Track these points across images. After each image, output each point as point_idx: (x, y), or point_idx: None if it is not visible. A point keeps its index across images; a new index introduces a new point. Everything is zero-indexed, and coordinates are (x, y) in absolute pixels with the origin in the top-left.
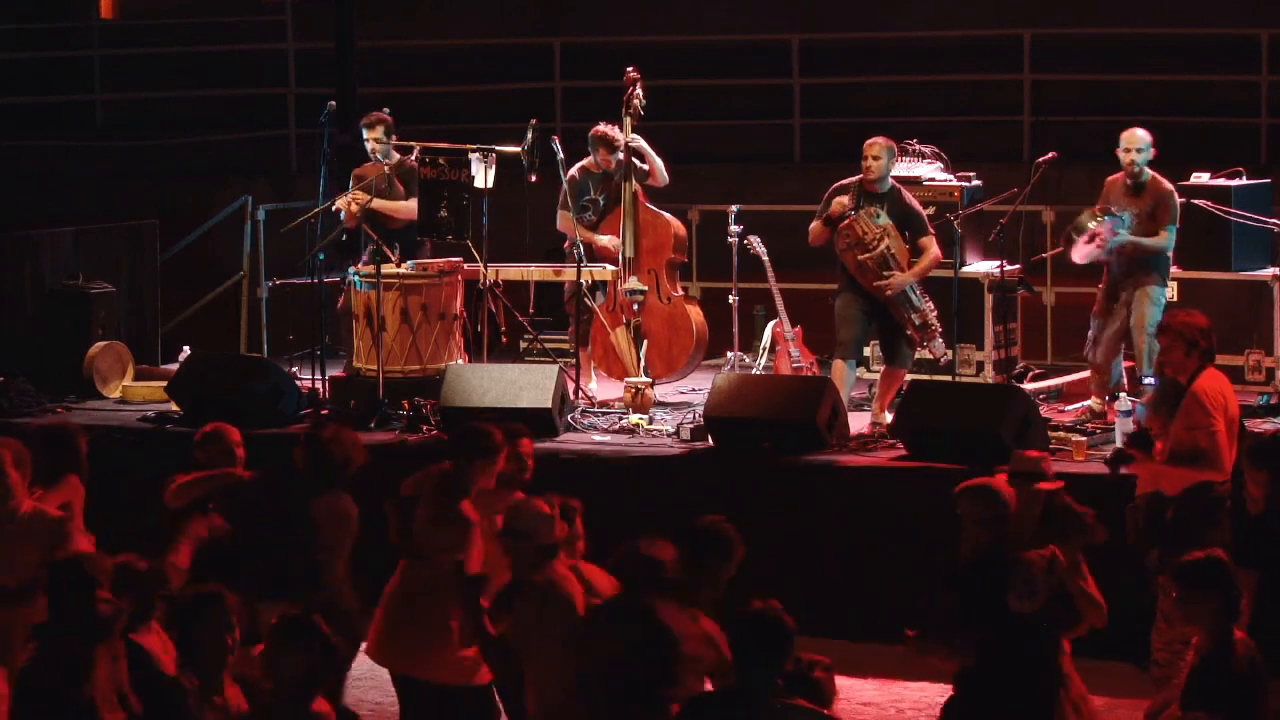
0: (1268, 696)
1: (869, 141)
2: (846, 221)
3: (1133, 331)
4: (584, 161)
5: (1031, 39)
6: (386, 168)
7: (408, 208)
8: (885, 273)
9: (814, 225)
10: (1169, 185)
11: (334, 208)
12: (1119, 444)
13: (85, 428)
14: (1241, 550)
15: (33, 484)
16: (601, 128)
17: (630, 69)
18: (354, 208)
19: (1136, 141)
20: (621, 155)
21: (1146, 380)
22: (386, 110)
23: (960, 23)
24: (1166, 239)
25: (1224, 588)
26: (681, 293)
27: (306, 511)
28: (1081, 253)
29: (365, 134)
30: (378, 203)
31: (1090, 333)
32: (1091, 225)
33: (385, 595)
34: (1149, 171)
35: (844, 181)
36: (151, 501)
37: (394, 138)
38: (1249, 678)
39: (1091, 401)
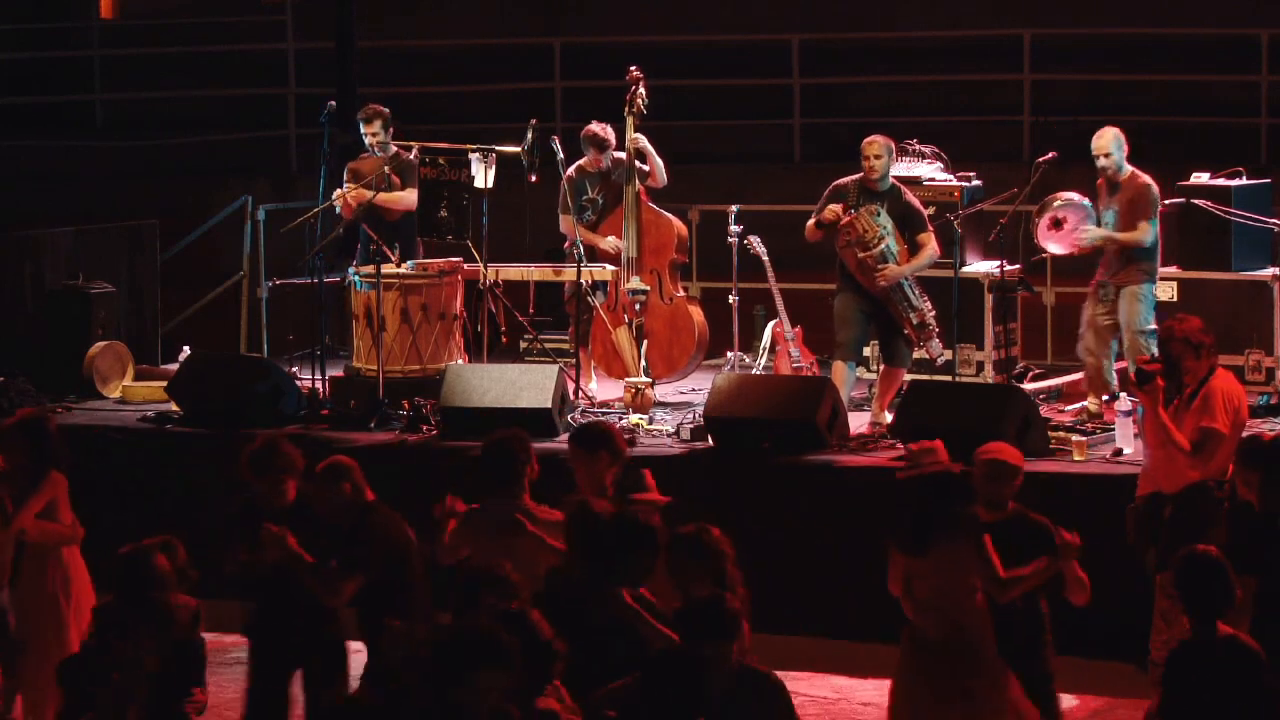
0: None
1: (868, 140)
2: (847, 219)
3: (1123, 329)
4: (581, 161)
5: (1031, 39)
6: (386, 167)
7: (405, 199)
8: (880, 265)
9: (809, 224)
10: (1146, 179)
11: (333, 201)
12: (1119, 444)
13: (85, 428)
14: (1241, 555)
15: (13, 483)
16: (592, 127)
17: (633, 68)
18: (351, 201)
19: (1106, 145)
20: (614, 156)
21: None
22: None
23: (960, 23)
24: (1144, 232)
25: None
26: (683, 293)
27: None
28: (1048, 237)
29: (363, 128)
30: (379, 196)
31: (1080, 329)
32: (1056, 206)
33: None
34: (1127, 168)
35: (843, 180)
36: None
37: (391, 130)
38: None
39: (1088, 403)
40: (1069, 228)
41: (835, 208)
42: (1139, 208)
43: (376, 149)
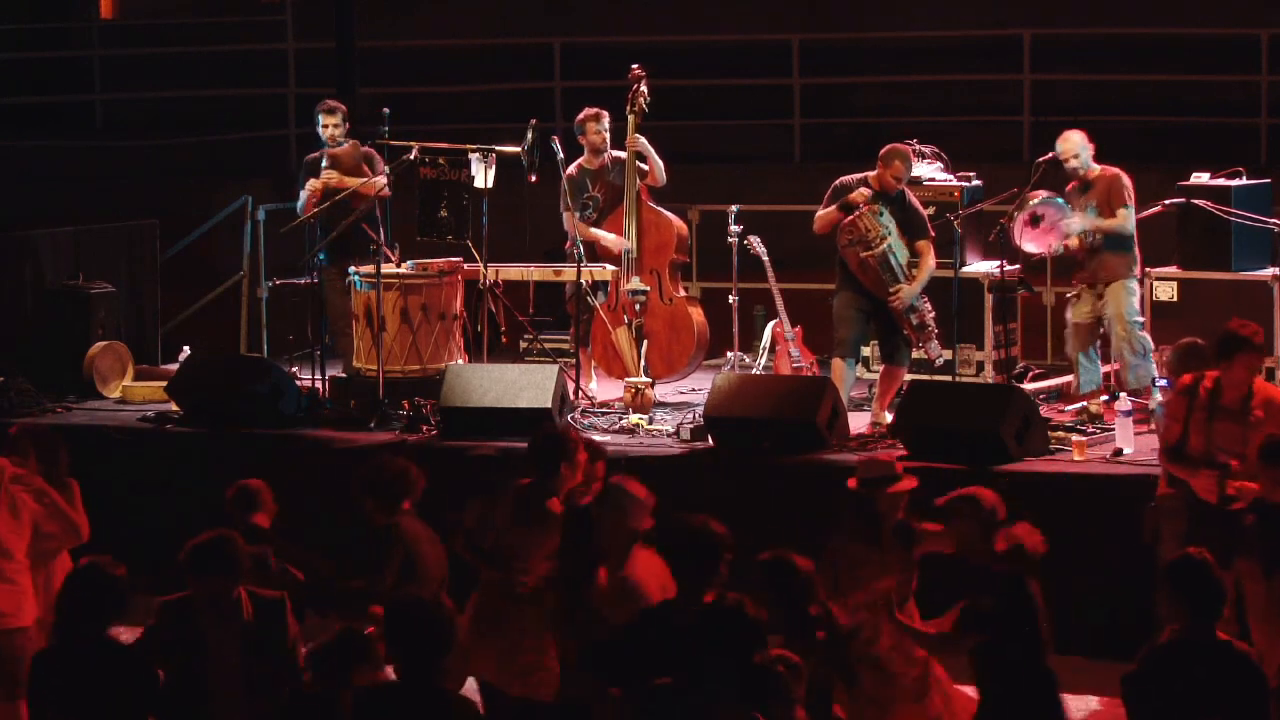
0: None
1: (895, 149)
2: (850, 219)
3: (1111, 323)
4: (580, 159)
5: (1031, 39)
6: (386, 164)
7: (379, 182)
8: (892, 288)
9: (826, 212)
10: (1115, 170)
11: (299, 208)
12: (1119, 444)
13: (85, 428)
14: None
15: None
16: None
17: (635, 67)
18: (315, 196)
19: (1072, 148)
20: (611, 154)
21: (1161, 383)
22: (387, 109)
23: (960, 23)
24: (1123, 218)
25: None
26: (683, 293)
27: None
28: (1024, 235)
29: (323, 119)
30: (347, 180)
31: (1067, 330)
32: (1032, 204)
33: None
34: (1094, 166)
35: (848, 178)
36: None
37: (348, 125)
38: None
39: (1089, 404)
40: (1046, 225)
41: (865, 191)
42: (1115, 196)
43: (338, 140)
